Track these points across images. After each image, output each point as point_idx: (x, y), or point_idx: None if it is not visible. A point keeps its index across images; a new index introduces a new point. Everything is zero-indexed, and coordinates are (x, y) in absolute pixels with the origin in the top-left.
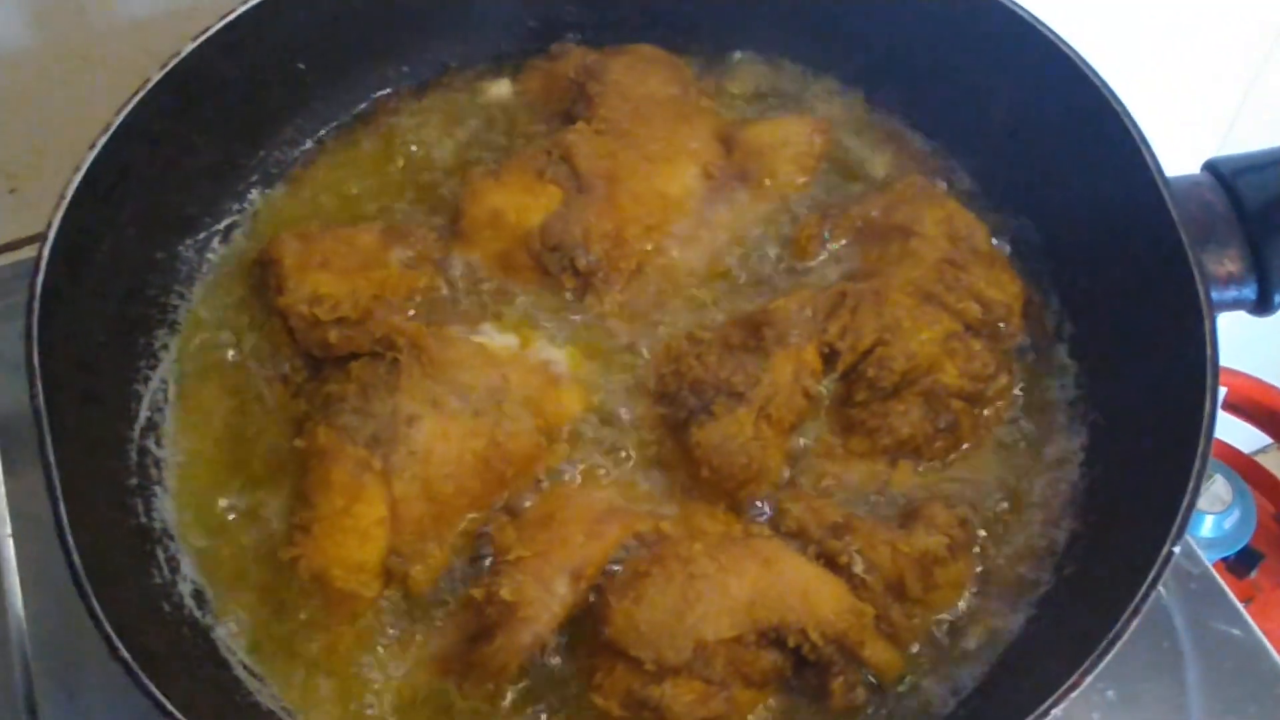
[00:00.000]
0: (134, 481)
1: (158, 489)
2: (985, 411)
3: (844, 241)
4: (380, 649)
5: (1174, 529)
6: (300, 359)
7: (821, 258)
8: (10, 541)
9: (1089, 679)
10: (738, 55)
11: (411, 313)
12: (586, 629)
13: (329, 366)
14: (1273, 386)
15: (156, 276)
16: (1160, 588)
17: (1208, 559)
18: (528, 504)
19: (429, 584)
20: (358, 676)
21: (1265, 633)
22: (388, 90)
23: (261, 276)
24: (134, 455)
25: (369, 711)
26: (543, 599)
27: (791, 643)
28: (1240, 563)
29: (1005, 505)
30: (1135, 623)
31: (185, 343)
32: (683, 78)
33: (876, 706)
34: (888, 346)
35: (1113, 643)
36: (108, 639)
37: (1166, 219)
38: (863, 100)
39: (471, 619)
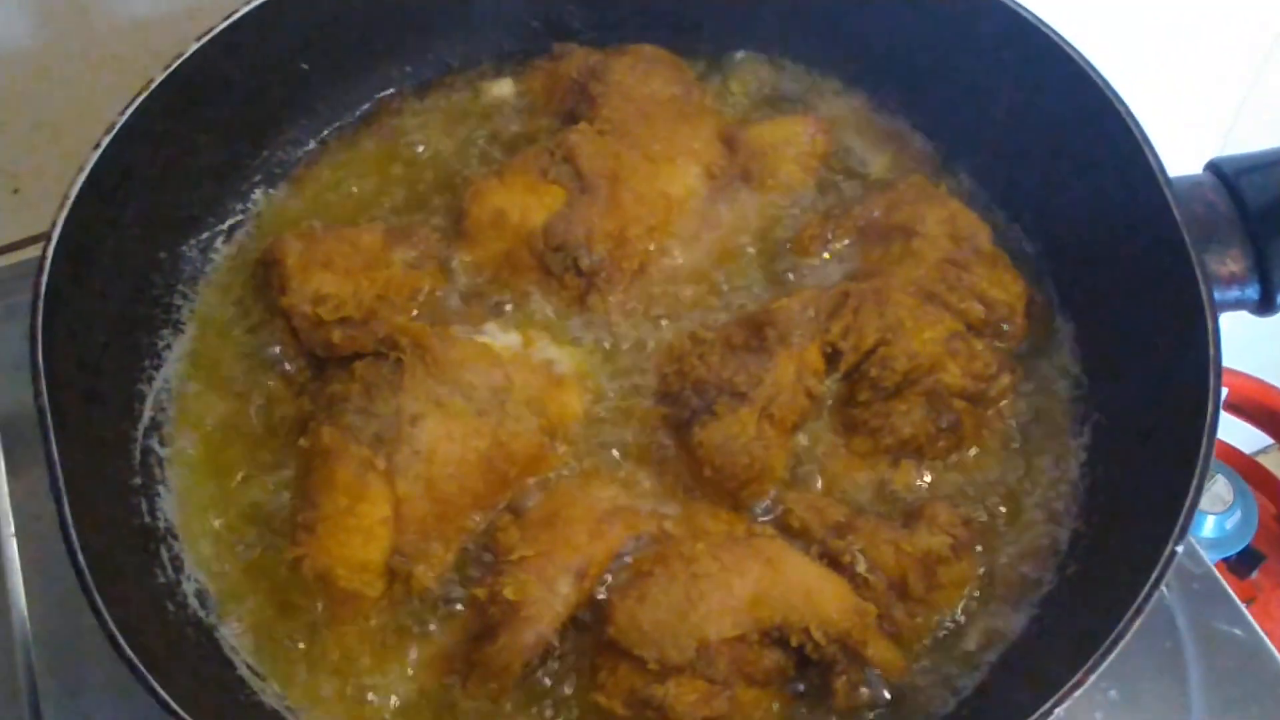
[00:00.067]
0: (137, 481)
1: (161, 488)
2: (988, 411)
3: (846, 241)
4: (384, 648)
5: (1176, 529)
6: (304, 359)
7: (824, 257)
8: (14, 541)
9: (1091, 678)
10: (740, 55)
11: (415, 312)
12: (590, 628)
13: (332, 366)
14: (1274, 387)
15: (160, 276)
16: (1163, 587)
17: (1209, 559)
18: (531, 503)
19: (432, 583)
20: (361, 676)
21: (1267, 633)
22: (390, 90)
23: (265, 276)
24: (137, 455)
25: (372, 711)
26: (546, 598)
27: (794, 642)
28: (1241, 563)
29: (1007, 505)
30: (1138, 622)
31: (188, 342)
32: (685, 78)
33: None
34: (890, 346)
35: (1115, 642)
36: (111, 638)
37: (1169, 219)
38: (865, 100)
39: (475, 618)
